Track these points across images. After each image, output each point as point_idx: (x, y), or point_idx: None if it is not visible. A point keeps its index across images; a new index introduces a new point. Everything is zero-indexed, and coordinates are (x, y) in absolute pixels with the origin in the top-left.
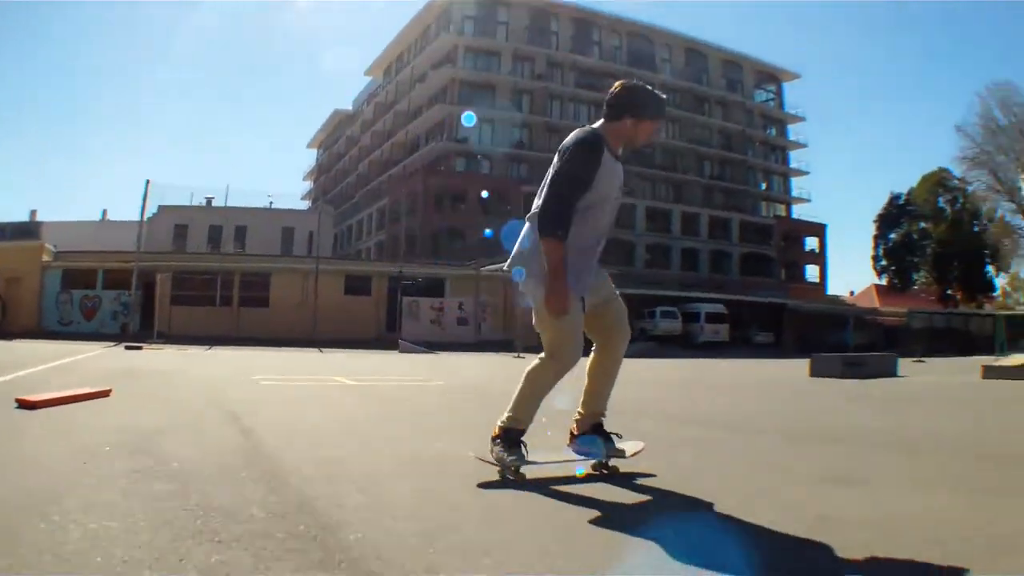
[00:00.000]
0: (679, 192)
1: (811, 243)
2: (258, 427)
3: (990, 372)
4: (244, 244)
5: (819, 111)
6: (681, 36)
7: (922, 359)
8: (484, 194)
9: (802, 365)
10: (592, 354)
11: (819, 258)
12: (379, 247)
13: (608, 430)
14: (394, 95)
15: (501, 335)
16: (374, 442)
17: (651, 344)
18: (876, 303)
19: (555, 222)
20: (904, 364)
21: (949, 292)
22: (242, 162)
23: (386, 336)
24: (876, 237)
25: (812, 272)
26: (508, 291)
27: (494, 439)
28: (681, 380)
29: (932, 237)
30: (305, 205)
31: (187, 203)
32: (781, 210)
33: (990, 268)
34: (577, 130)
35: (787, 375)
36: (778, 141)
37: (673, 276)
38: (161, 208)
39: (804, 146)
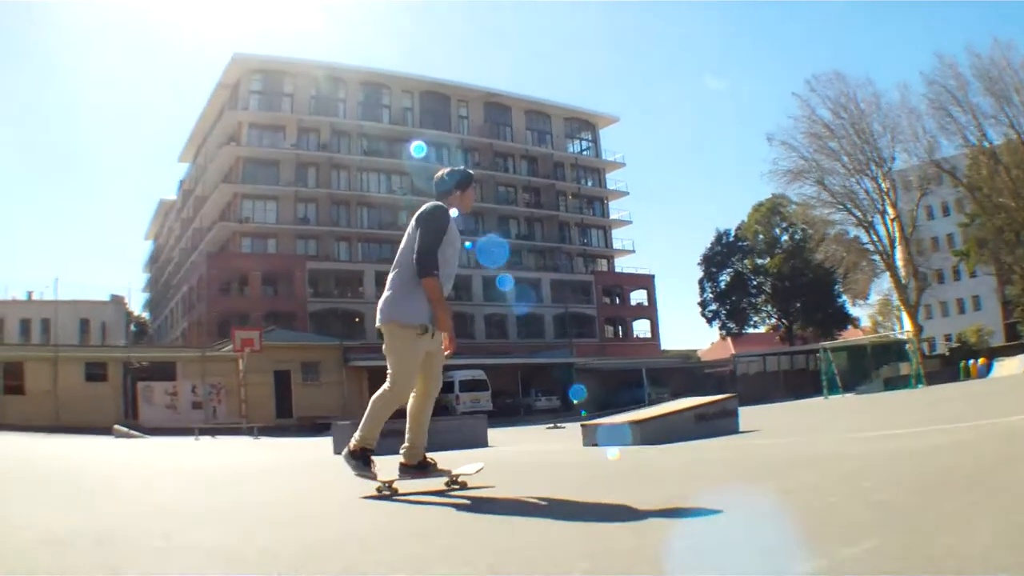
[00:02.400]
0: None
1: (640, 296)
2: None
3: (590, 435)
4: (49, 335)
5: (644, 154)
6: (479, 89)
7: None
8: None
9: None
10: (413, 397)
11: (649, 311)
12: (183, 335)
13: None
14: (195, 180)
15: (237, 418)
16: None
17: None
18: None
19: (430, 265)
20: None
21: (800, 330)
22: (91, 255)
23: (124, 422)
24: (702, 280)
25: (643, 327)
26: (239, 373)
27: (351, 454)
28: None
29: (769, 272)
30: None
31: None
32: (604, 265)
33: (845, 297)
34: (429, 203)
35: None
36: (593, 192)
37: (479, 344)
38: None
39: (626, 194)
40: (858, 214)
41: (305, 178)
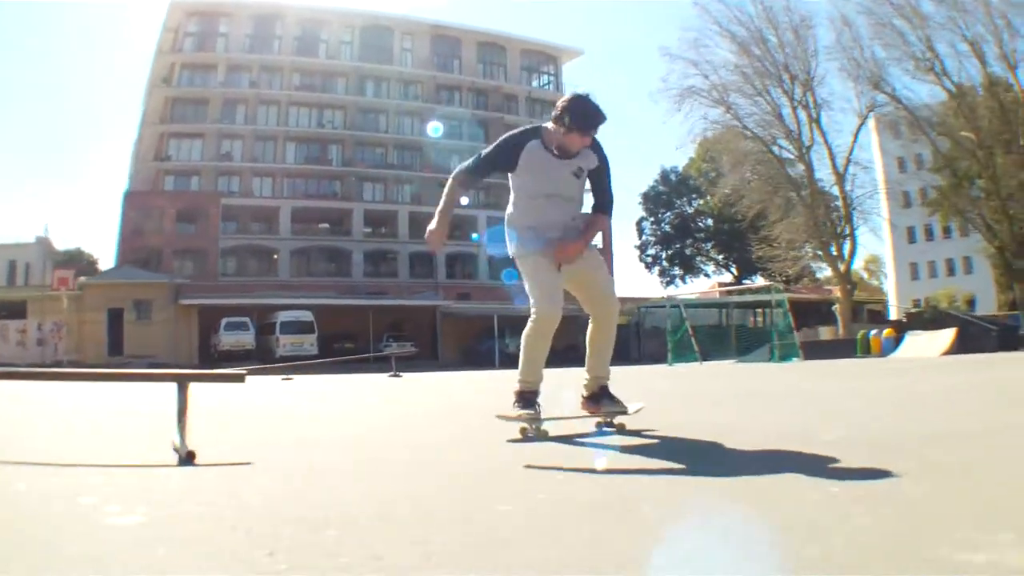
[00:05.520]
0: (418, 192)
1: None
2: None
3: None
4: None
5: (616, 90)
6: (425, 22)
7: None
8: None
9: None
10: (589, 325)
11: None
12: None
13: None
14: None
15: (75, 355)
16: None
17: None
18: None
19: (460, 171)
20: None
21: (745, 278)
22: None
23: None
24: (640, 222)
25: None
26: (81, 312)
27: (516, 397)
28: None
29: (713, 214)
30: None
31: None
32: None
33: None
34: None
35: None
36: None
37: (401, 284)
38: None
39: None
40: (787, 145)
41: (233, 115)
